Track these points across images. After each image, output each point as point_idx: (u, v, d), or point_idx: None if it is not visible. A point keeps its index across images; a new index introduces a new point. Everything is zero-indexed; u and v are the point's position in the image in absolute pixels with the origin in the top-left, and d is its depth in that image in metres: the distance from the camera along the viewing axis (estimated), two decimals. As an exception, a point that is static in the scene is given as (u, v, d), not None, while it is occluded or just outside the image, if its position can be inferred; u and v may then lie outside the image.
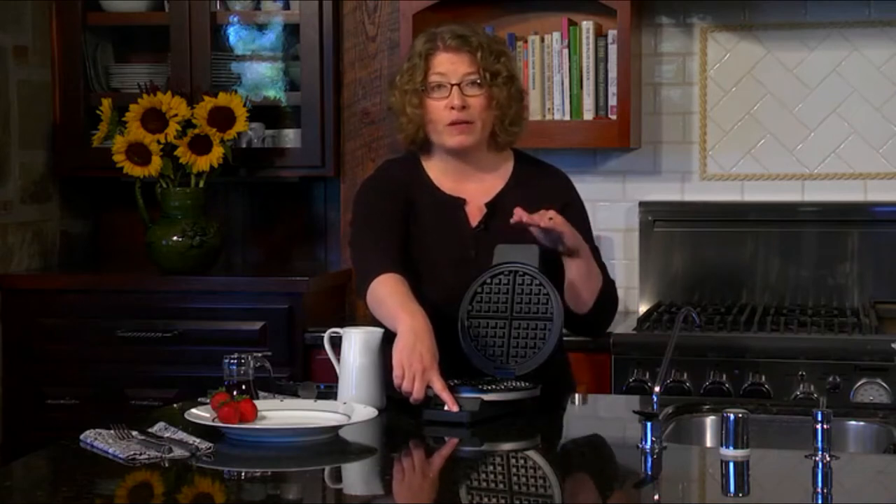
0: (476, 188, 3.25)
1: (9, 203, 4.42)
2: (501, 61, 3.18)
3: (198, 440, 2.60)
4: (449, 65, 3.15)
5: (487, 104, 3.17)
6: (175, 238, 4.36)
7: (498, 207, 3.22)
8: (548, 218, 3.02)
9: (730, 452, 2.46)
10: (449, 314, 3.06)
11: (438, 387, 2.84)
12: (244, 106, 4.37)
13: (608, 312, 3.28)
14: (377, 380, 2.95)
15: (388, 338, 2.97)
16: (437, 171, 3.26)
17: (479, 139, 3.20)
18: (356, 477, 2.57)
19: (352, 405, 2.83)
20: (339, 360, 2.99)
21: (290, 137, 4.61)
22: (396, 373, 2.87)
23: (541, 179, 3.30)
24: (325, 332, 3.08)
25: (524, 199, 3.20)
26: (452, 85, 3.14)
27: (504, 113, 3.19)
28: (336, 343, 3.02)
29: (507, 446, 2.79)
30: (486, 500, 2.36)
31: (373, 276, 3.05)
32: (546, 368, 3.02)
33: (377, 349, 2.95)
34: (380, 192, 3.25)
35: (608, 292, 3.24)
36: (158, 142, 4.30)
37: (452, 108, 3.14)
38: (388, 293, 3.01)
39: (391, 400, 2.96)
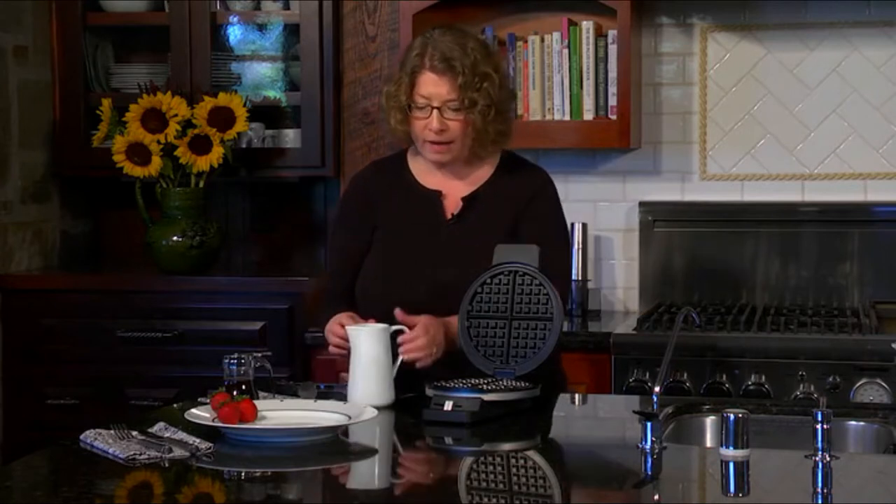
0: (457, 184, 3.32)
1: (9, 203, 4.42)
2: (483, 87, 3.22)
3: (198, 440, 2.60)
4: (432, 87, 3.21)
5: (465, 129, 3.23)
6: (175, 238, 4.36)
7: (475, 201, 3.29)
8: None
9: (730, 452, 2.46)
10: (430, 309, 3.09)
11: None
12: (244, 106, 4.37)
13: None
14: (388, 375, 2.97)
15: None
16: (421, 168, 3.35)
17: (456, 156, 3.28)
18: (356, 477, 2.57)
19: (352, 405, 2.83)
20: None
21: (290, 137, 4.61)
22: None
23: (517, 176, 3.35)
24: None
25: (498, 194, 3.29)
26: (433, 107, 3.21)
27: (481, 138, 3.26)
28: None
29: (507, 446, 2.79)
30: (486, 500, 2.36)
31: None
32: (540, 365, 3.03)
33: (387, 345, 2.98)
34: (347, 212, 3.40)
35: None
36: (158, 142, 4.30)
37: (431, 129, 3.22)
38: None
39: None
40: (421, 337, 3.04)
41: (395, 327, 3.03)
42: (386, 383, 2.97)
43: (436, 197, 3.30)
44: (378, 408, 2.86)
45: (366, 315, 3.13)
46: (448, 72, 3.20)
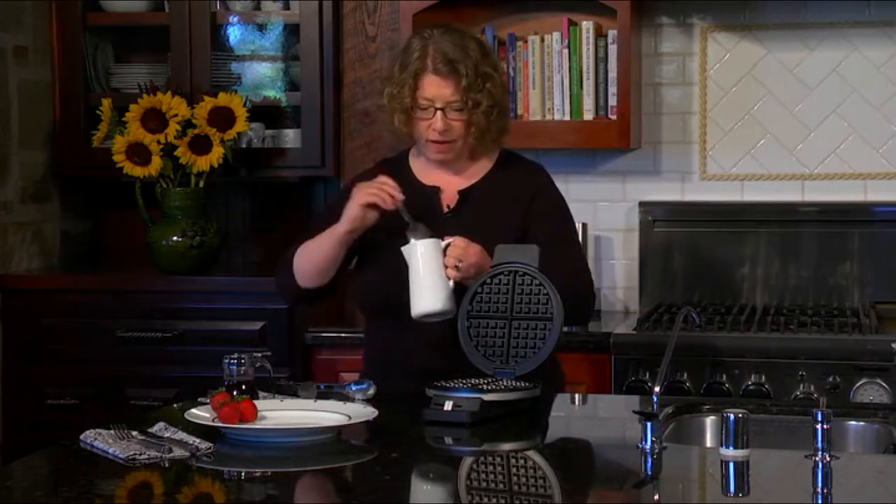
0: (455, 179, 3.35)
1: (9, 203, 4.42)
2: (486, 88, 3.26)
3: (198, 440, 2.60)
4: (436, 89, 3.24)
5: (467, 128, 3.27)
6: (175, 238, 4.36)
7: (471, 195, 3.32)
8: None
9: (730, 452, 2.46)
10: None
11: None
12: (244, 106, 4.37)
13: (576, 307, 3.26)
14: (447, 284, 3.08)
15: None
16: (421, 166, 3.39)
17: (458, 154, 3.33)
18: (356, 477, 2.57)
19: (352, 405, 2.83)
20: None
21: (290, 137, 4.61)
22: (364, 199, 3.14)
23: (516, 173, 3.38)
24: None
25: (496, 190, 3.32)
26: (437, 109, 3.24)
27: (483, 136, 3.30)
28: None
29: (507, 446, 2.79)
30: (486, 500, 2.36)
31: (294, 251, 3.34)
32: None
33: (441, 255, 3.09)
34: (343, 200, 3.38)
35: (574, 290, 3.22)
36: (158, 142, 4.30)
37: (435, 129, 3.25)
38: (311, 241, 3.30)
39: (390, 401, 2.97)
40: (462, 238, 3.13)
41: (445, 241, 3.12)
42: (448, 290, 3.07)
43: (433, 192, 3.33)
44: (444, 313, 3.04)
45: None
46: (452, 74, 3.23)
